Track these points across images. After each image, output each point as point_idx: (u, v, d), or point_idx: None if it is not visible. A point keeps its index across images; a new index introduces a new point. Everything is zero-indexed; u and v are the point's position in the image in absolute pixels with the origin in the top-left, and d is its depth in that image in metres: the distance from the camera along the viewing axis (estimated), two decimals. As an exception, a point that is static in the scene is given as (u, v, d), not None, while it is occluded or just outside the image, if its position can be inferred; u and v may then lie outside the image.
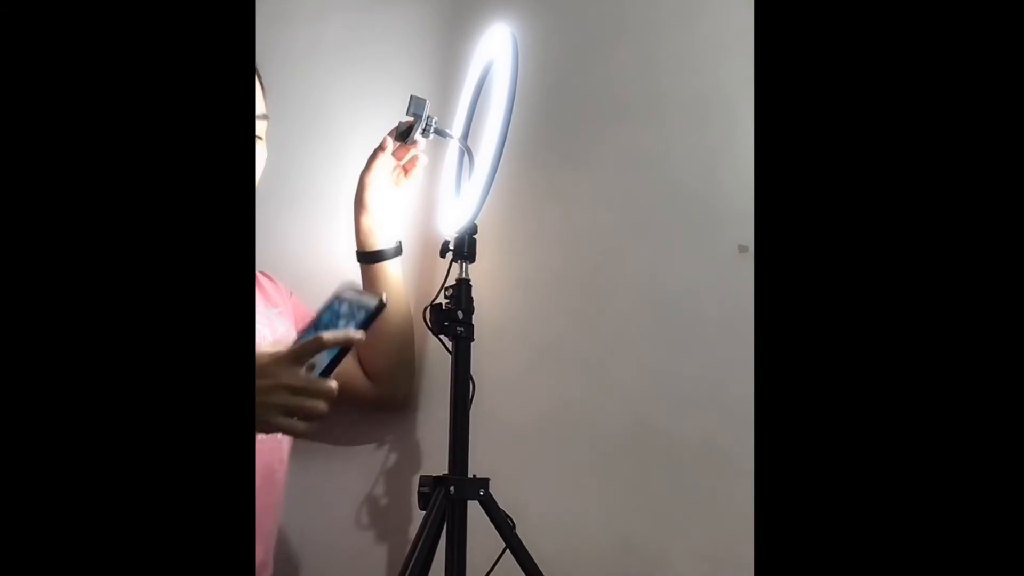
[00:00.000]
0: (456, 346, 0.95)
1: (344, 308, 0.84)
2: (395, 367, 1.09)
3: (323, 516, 1.12)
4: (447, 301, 0.97)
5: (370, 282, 1.07)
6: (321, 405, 0.80)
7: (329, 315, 0.85)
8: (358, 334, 0.81)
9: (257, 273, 1.09)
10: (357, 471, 1.14)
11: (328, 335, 0.80)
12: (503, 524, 0.90)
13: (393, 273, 1.08)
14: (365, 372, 1.09)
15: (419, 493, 0.91)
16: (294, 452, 1.15)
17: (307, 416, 0.80)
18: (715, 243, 1.02)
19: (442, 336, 0.97)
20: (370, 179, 1.05)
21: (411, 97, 0.94)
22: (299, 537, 1.16)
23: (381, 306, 0.83)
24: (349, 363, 0.94)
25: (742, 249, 1.00)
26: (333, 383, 0.81)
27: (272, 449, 1.01)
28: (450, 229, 1.01)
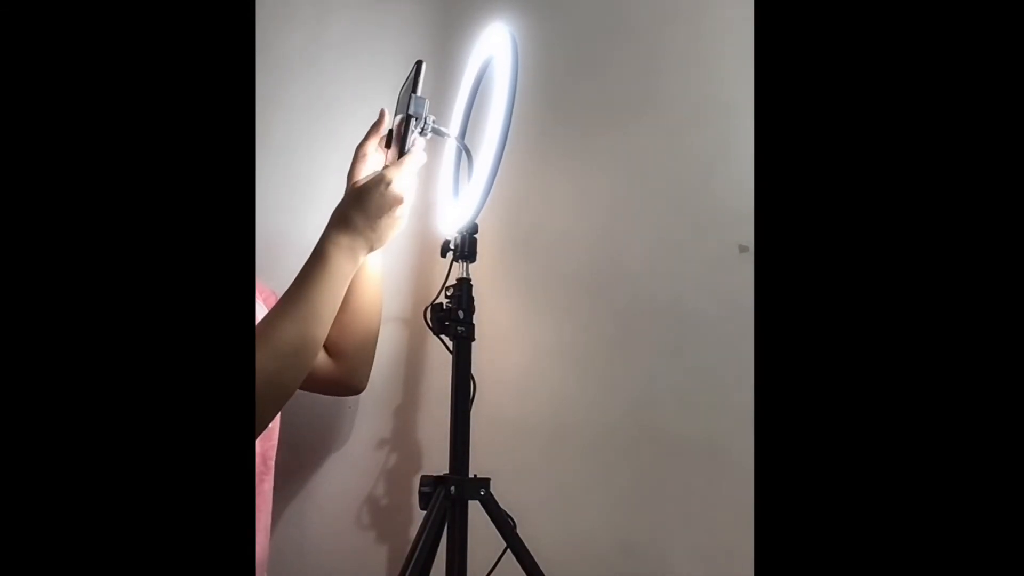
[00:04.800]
0: (457, 346, 0.95)
1: None
2: (359, 348, 1.07)
3: (324, 516, 1.12)
4: (448, 301, 0.97)
5: None
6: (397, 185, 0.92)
7: None
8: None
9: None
10: (358, 471, 1.14)
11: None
12: (504, 524, 0.90)
13: (371, 264, 1.04)
14: (327, 350, 1.07)
15: (420, 493, 0.91)
16: (294, 451, 1.15)
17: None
18: (715, 243, 1.02)
19: (443, 336, 0.97)
20: (365, 150, 0.98)
21: (411, 97, 0.94)
22: (299, 537, 1.16)
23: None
24: None
25: (742, 249, 1.00)
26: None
27: (265, 438, 1.01)
28: (451, 229, 1.01)
